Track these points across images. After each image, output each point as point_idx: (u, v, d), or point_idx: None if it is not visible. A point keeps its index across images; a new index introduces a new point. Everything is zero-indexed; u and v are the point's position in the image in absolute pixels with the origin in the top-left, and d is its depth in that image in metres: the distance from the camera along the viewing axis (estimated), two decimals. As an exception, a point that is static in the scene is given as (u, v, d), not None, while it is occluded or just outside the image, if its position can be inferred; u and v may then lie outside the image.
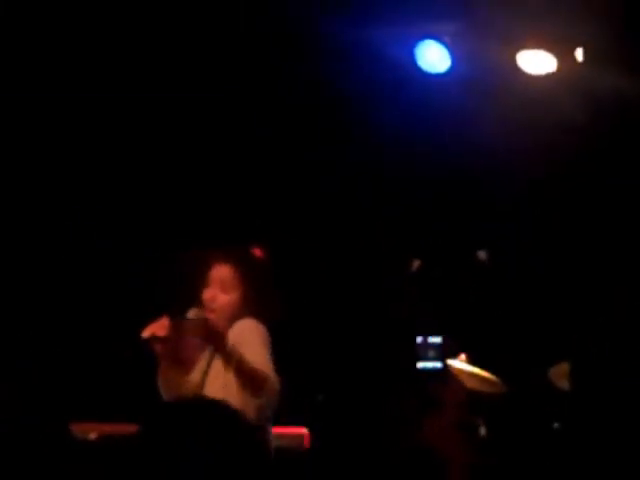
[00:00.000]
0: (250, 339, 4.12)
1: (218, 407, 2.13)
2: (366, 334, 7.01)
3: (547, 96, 5.79)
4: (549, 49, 5.76)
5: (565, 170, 5.97)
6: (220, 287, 4.24)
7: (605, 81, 5.51)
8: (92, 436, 5.43)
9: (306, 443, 5.62)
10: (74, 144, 6.43)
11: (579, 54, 5.73)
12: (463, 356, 6.12)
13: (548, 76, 5.81)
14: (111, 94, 6.17)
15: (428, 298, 7.07)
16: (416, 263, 7.14)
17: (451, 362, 6.14)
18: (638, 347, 5.39)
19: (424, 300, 7.06)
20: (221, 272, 4.25)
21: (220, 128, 6.49)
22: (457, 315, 6.90)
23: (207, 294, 4.24)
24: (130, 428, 5.66)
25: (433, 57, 6.01)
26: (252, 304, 4.23)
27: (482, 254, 7.08)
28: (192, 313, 4.23)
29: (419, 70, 6.03)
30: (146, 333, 4.12)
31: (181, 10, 5.83)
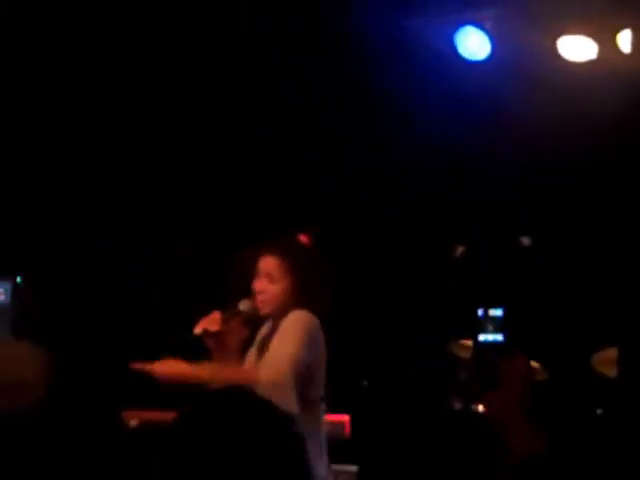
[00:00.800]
0: (285, 328, 4.14)
1: (250, 397, 2.17)
2: (413, 319, 7.03)
3: (588, 84, 5.74)
4: (589, 35, 5.71)
5: (606, 157, 5.94)
6: (268, 278, 4.26)
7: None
8: (133, 423, 5.49)
9: (347, 430, 5.63)
10: (95, 142, 6.49)
11: (621, 40, 5.67)
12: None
13: (589, 63, 5.76)
14: (118, 93, 6.20)
15: (472, 284, 7.07)
16: (460, 249, 7.14)
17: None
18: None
19: (468, 286, 7.07)
20: (268, 263, 4.27)
21: (250, 120, 6.52)
22: (499, 301, 6.89)
23: (256, 285, 4.26)
24: (170, 415, 5.74)
25: (473, 44, 5.99)
26: (301, 293, 4.24)
27: (525, 240, 7.06)
28: (243, 305, 4.29)
29: (459, 57, 6.02)
30: (198, 329, 4.20)
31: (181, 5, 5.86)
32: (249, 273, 4.29)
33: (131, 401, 5.64)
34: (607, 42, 5.67)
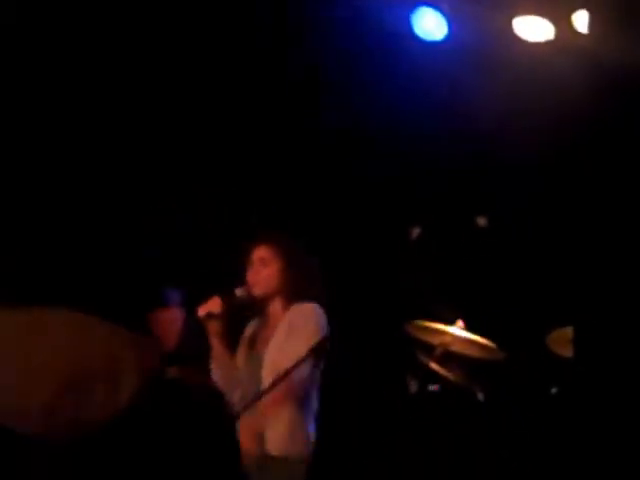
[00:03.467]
0: (297, 333, 4.39)
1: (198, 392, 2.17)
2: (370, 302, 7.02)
3: (545, 64, 5.76)
4: (545, 15, 5.73)
5: (564, 137, 5.95)
6: (261, 263, 4.56)
7: (607, 48, 5.47)
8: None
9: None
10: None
11: (577, 20, 5.69)
12: (460, 323, 6.13)
13: (547, 43, 5.78)
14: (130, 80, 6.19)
15: (428, 266, 7.07)
16: (416, 231, 7.15)
17: (450, 329, 6.15)
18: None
19: (424, 268, 7.07)
20: (261, 251, 4.58)
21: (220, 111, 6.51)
22: (455, 281, 6.91)
23: (250, 275, 4.55)
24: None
25: (429, 24, 5.99)
26: (294, 278, 4.53)
27: (481, 220, 7.08)
28: (239, 291, 4.52)
29: (416, 38, 6.01)
30: (202, 311, 4.43)
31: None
32: (243, 265, 4.58)
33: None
34: (563, 22, 5.70)
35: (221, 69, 6.30)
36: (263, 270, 4.54)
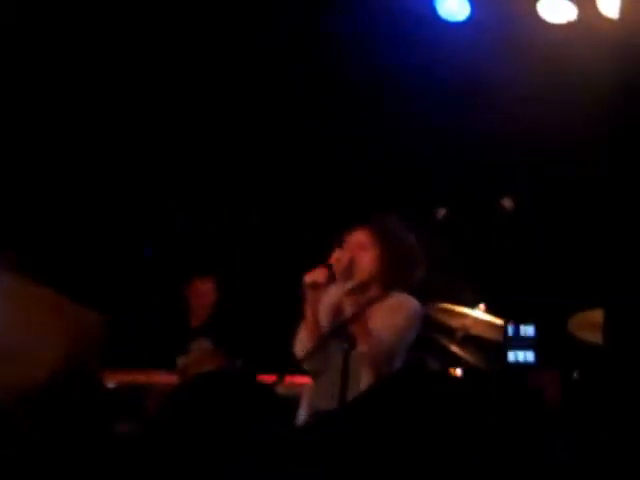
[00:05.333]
0: (391, 322, 4.41)
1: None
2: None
3: (568, 45, 5.72)
4: (569, -4, 5.69)
5: (587, 119, 5.89)
6: (360, 249, 4.49)
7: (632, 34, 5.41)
8: (111, 385, 5.50)
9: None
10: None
11: (600, 2, 5.63)
12: (482, 306, 6.11)
13: (569, 25, 5.73)
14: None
15: (452, 247, 7.05)
16: (441, 211, 7.11)
17: (471, 312, 6.14)
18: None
19: (448, 250, 7.04)
20: (359, 235, 4.54)
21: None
22: (480, 263, 6.89)
23: (344, 256, 4.43)
24: (147, 376, 5.76)
25: (452, 5, 5.96)
26: (392, 265, 4.49)
27: (507, 201, 7.02)
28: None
29: (439, 19, 5.99)
30: (308, 279, 4.37)
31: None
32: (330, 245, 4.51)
33: (108, 362, 5.66)
34: (587, 4, 5.64)
35: (221, 68, 6.33)
36: (361, 255, 4.48)
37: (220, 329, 6.49)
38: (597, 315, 5.83)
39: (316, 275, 4.37)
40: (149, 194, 6.89)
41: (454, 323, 6.13)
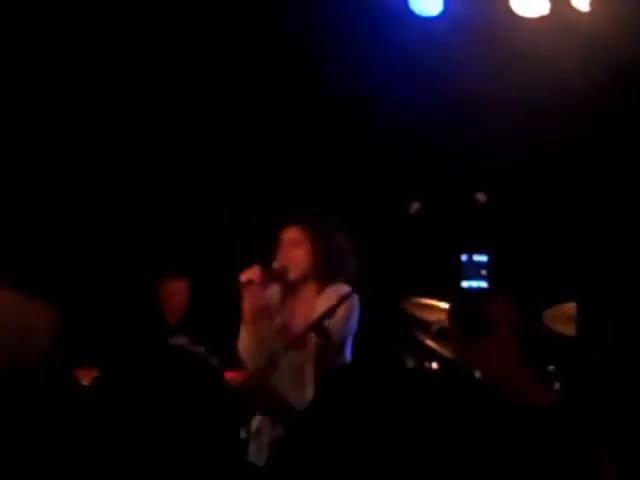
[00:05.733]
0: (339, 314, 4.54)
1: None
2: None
3: (541, 39, 5.72)
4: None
5: (559, 112, 5.92)
6: (292, 245, 4.66)
7: (603, 26, 5.44)
8: (85, 382, 5.44)
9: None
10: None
11: (573, -4, 5.64)
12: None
13: (542, 19, 5.74)
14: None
15: (427, 240, 7.06)
16: (415, 206, 7.10)
17: (446, 305, 6.13)
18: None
19: (422, 243, 7.05)
20: (291, 233, 4.69)
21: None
22: (454, 258, 6.90)
23: (281, 255, 4.65)
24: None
25: (425, 0, 5.95)
26: (325, 259, 4.65)
27: (481, 196, 7.03)
28: (275, 264, 4.65)
29: (411, 13, 5.97)
30: (243, 277, 4.54)
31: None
32: (273, 244, 4.70)
33: (84, 361, 5.64)
34: (559, -2, 5.66)
35: (221, 68, 6.33)
36: (294, 251, 4.64)
37: (195, 327, 6.51)
38: (572, 308, 5.87)
39: (250, 274, 4.55)
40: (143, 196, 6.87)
41: (429, 317, 6.13)
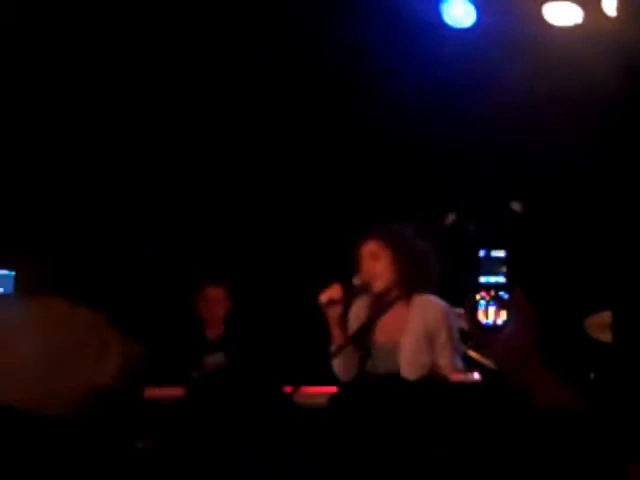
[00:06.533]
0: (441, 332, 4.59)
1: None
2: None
3: (574, 49, 5.73)
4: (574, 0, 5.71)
5: (594, 121, 5.92)
6: (372, 259, 4.57)
7: (635, 32, 5.44)
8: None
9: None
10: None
11: (606, 4, 5.66)
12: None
13: (575, 28, 5.75)
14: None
15: (462, 252, 7.06)
16: (450, 217, 7.12)
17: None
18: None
19: (459, 254, 7.05)
20: (369, 246, 4.60)
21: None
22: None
23: (364, 269, 4.57)
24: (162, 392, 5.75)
25: (458, 12, 5.98)
26: (407, 268, 4.54)
27: (516, 205, 7.05)
28: (356, 280, 4.57)
29: (445, 26, 6.01)
30: (324, 298, 4.47)
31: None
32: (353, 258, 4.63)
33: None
34: (592, 6, 5.66)
35: (221, 68, 6.36)
36: (375, 264, 4.56)
37: (233, 343, 6.42)
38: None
39: (331, 293, 4.49)
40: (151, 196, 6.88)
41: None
